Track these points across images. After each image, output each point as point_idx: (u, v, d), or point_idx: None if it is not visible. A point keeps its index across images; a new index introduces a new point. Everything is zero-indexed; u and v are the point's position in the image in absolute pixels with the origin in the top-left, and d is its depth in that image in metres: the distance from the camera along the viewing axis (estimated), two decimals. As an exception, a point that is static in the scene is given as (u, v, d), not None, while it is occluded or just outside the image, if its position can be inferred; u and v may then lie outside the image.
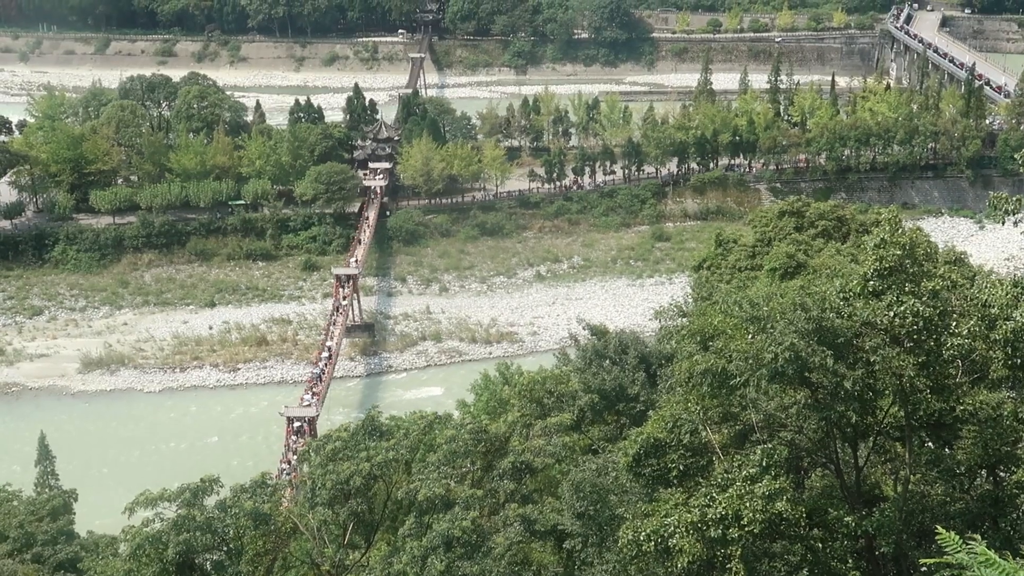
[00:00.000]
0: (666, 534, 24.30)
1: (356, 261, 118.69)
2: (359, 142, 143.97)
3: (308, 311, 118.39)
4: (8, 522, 51.01)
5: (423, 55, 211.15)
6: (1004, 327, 23.44)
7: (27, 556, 48.01)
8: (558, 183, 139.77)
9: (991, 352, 24.55)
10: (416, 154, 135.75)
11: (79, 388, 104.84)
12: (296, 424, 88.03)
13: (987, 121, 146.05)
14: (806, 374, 24.59)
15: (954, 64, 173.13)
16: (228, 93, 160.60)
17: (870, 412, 25.98)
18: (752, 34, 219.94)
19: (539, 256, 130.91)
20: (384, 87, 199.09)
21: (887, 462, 28.72)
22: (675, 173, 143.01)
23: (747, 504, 23.72)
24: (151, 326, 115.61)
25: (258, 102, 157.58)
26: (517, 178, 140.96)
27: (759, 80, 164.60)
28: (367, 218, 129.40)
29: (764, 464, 24.54)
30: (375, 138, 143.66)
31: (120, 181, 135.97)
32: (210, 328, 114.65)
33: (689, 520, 24.03)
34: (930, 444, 27.61)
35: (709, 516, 23.96)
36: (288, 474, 77.23)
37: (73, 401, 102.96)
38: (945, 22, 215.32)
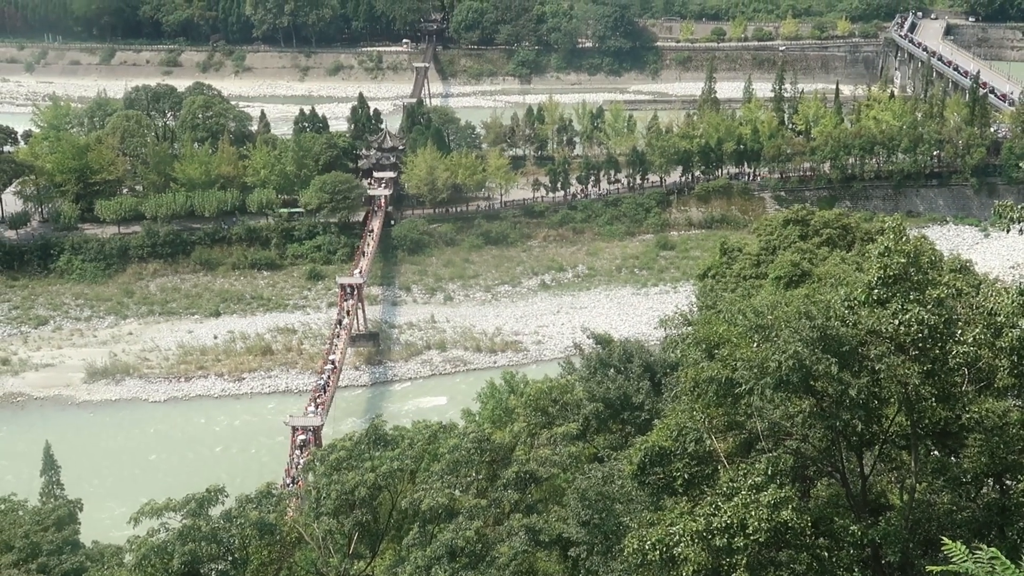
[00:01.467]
0: (671, 543, 24.28)
1: (361, 270, 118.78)
2: (364, 151, 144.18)
3: (313, 320, 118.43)
4: (13, 532, 50.96)
5: (427, 64, 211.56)
6: (1010, 335, 23.40)
7: (32, 566, 47.95)
8: (563, 192, 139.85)
9: (997, 360, 24.50)
10: (420, 163, 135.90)
11: (84, 398, 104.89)
12: (300, 438, 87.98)
13: (992, 129, 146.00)
14: (811, 382, 24.57)
15: (958, 72, 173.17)
16: (233, 103, 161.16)
17: (875, 421, 25.94)
18: (756, 43, 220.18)
19: (544, 265, 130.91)
20: (388, 96, 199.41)
21: (893, 471, 28.66)
22: (680, 182, 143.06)
23: (752, 513, 23.69)
24: (156, 336, 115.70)
25: (263, 112, 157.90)
26: (521, 187, 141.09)
27: (763, 89, 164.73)
28: (371, 228, 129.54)
29: (769, 473, 24.50)
30: (379, 147, 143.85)
31: (125, 191, 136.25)
32: (215, 337, 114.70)
33: (694, 529, 24.00)
34: (936, 453, 27.55)
35: (714, 525, 23.93)
36: (291, 484, 77.21)
37: (78, 411, 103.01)
38: (949, 30, 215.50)
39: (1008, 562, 13.06)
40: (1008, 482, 26.98)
